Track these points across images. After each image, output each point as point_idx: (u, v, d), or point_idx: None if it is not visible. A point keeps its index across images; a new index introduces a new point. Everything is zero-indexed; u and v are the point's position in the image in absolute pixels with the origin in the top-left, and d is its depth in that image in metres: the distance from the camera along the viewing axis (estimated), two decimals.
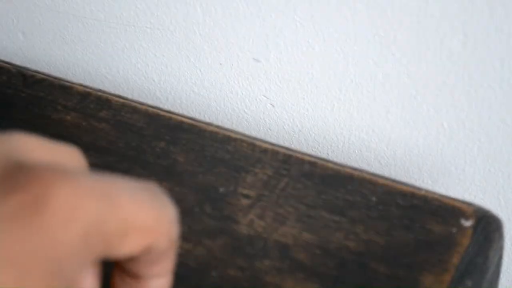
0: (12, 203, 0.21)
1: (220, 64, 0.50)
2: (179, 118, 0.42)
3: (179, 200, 0.37)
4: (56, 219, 0.21)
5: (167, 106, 0.55)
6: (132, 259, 0.26)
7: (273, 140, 0.52)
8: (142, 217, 0.24)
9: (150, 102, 0.53)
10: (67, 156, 0.25)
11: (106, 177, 0.24)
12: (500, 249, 0.35)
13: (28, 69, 0.47)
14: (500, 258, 0.36)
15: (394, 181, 0.37)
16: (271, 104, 0.50)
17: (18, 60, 0.58)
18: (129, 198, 0.24)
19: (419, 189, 0.37)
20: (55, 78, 0.46)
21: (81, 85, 0.45)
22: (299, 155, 0.39)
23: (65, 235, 0.22)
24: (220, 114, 0.53)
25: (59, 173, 0.22)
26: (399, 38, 0.42)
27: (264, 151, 0.39)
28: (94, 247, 0.23)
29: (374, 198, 0.36)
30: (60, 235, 0.21)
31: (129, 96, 0.51)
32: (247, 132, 0.44)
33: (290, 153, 0.39)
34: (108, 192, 0.23)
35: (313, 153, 0.50)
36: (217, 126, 0.41)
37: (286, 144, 0.51)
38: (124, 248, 0.24)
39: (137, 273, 0.27)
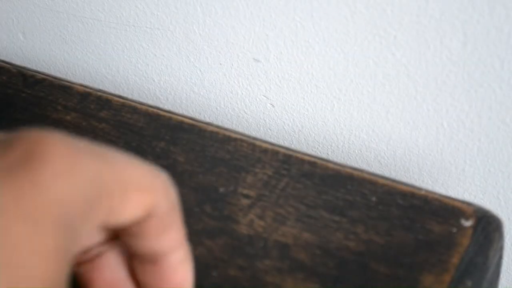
0: (6, 160, 0.22)
1: (220, 64, 0.50)
2: (179, 118, 0.42)
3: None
4: (54, 173, 0.22)
5: (167, 106, 0.55)
6: (140, 231, 0.26)
7: (273, 140, 0.52)
8: (138, 176, 0.25)
9: (150, 102, 0.53)
10: None
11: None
12: (500, 249, 0.35)
13: (28, 69, 0.47)
14: (500, 258, 0.36)
15: (394, 181, 0.37)
16: (271, 104, 0.50)
17: (18, 60, 0.58)
18: (124, 161, 0.25)
19: (419, 189, 0.36)
20: (55, 78, 0.46)
21: (81, 85, 0.45)
22: (299, 155, 0.39)
23: (66, 189, 0.22)
24: (220, 114, 0.53)
25: (49, 134, 0.23)
26: (399, 38, 0.42)
27: (264, 151, 0.39)
28: (97, 207, 0.23)
29: (374, 198, 0.36)
30: (61, 189, 0.22)
31: (129, 96, 0.51)
32: (247, 132, 0.44)
33: (290, 153, 0.39)
34: (103, 154, 0.24)
35: (313, 153, 0.50)
36: (217, 126, 0.41)
37: (286, 144, 0.51)
38: (127, 209, 0.24)
39: (152, 250, 0.26)
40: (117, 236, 0.28)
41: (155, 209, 0.25)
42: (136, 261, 0.27)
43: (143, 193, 0.25)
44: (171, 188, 0.26)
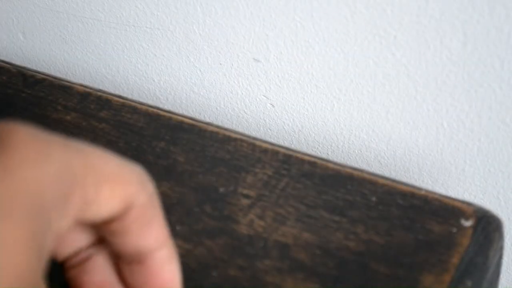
0: None
1: (220, 64, 0.50)
2: (179, 118, 0.42)
3: (179, 200, 0.37)
4: (22, 159, 0.21)
5: (167, 106, 0.55)
6: (122, 227, 0.25)
7: (273, 140, 0.52)
8: (112, 167, 0.24)
9: (150, 102, 0.53)
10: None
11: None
12: (500, 249, 0.35)
13: (28, 69, 0.47)
14: (500, 258, 0.36)
15: (394, 181, 0.37)
16: (271, 104, 0.50)
17: (18, 60, 0.58)
18: (97, 153, 0.24)
19: (419, 189, 0.36)
20: (55, 78, 0.46)
21: (81, 85, 0.45)
22: (299, 155, 0.39)
23: (36, 176, 0.21)
24: (220, 114, 0.53)
25: (17, 124, 0.22)
26: (399, 38, 0.42)
27: (264, 151, 0.39)
28: (70, 198, 0.22)
29: (374, 198, 0.36)
30: (31, 175, 0.21)
31: (129, 96, 0.51)
32: (247, 132, 0.44)
33: (290, 153, 0.39)
34: (74, 146, 0.24)
35: (313, 153, 0.50)
36: (217, 126, 0.41)
37: (286, 144, 0.51)
38: (102, 201, 0.24)
39: (136, 248, 0.26)
40: (104, 239, 0.28)
41: (132, 201, 0.25)
42: (123, 262, 0.27)
43: (118, 184, 0.24)
44: (148, 181, 0.26)
